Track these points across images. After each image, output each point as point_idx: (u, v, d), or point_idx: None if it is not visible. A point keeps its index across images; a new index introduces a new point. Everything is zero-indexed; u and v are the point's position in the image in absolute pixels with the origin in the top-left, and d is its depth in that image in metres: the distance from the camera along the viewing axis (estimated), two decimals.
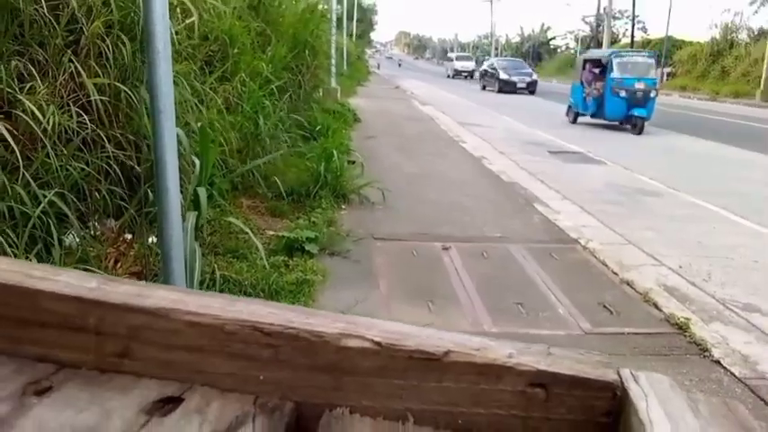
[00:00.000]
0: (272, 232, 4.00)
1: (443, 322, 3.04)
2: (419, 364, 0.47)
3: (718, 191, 7.06)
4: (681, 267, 4.31)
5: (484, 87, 31.45)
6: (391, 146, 8.83)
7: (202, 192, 2.65)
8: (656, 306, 3.42)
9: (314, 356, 0.48)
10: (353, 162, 6.23)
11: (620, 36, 55.60)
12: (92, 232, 2.72)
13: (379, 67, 52.33)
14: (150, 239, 2.79)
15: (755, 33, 37.82)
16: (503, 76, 29.67)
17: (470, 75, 44.67)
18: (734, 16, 39.01)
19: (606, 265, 4.03)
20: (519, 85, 28.96)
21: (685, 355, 2.98)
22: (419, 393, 0.47)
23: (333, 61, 11.63)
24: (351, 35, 30.22)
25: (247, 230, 2.95)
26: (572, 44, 65.48)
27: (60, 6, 3.00)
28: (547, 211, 5.49)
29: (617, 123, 13.31)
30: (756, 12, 36.91)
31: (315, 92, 8.35)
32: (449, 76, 46.15)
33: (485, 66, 34.66)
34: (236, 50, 5.23)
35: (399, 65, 71.87)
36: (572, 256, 4.24)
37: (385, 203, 5.20)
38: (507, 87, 28.58)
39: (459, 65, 47.36)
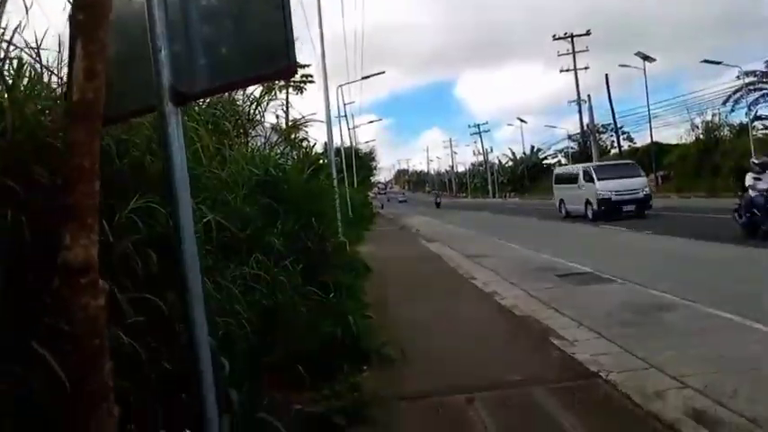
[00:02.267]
0: (297, 406, 4.09)
1: None
2: None
3: (728, 296, 7.15)
4: (706, 387, 4.30)
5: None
6: (404, 293, 9.06)
7: (233, 393, 2.84)
8: None
9: None
10: (370, 317, 6.41)
11: (609, 147, 57.92)
12: None
13: (382, 207, 54.46)
14: None
15: (737, 129, 39.45)
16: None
17: (641, 208, 21.15)
18: (712, 116, 40.91)
19: (630, 398, 4.06)
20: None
21: None
22: None
23: (338, 219, 12.24)
24: (352, 183, 31.69)
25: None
26: (563, 161, 67.87)
27: None
28: (563, 343, 5.56)
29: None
30: (732, 110, 38.82)
31: (324, 253, 8.74)
32: (567, 215, 24.31)
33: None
34: (248, 232, 5.64)
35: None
36: (594, 392, 4.28)
37: (404, 358, 5.30)
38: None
39: (610, 187, 21.34)
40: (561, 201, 25.20)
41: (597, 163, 28.69)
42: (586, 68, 51.80)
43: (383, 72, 29.67)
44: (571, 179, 24.20)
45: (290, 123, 12.28)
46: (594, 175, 22.12)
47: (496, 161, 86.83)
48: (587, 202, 22.22)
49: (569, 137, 61.34)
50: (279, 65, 2.14)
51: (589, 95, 52.63)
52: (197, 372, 2.23)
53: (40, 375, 2.30)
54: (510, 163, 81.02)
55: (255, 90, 9.42)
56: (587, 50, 51.49)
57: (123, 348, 2.83)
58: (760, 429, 3.56)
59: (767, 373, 4.49)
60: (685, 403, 4.01)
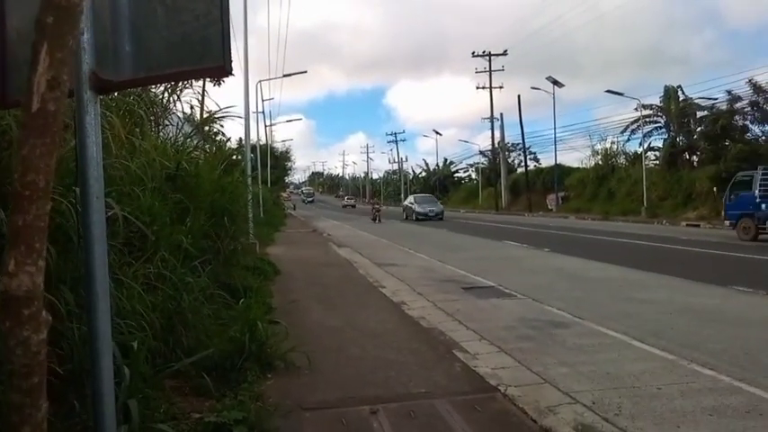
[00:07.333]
0: (197, 415, 3.95)
1: None
2: None
3: (616, 315, 7.71)
4: (594, 403, 4.59)
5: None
6: (312, 299, 9.00)
7: (134, 405, 2.69)
8: None
9: None
10: (277, 322, 6.30)
11: (516, 166, 60.59)
12: None
13: (294, 209, 53.74)
14: None
15: (631, 157, 42.44)
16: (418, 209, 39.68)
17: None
18: (610, 144, 43.79)
19: (525, 413, 4.25)
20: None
21: None
22: None
23: (250, 219, 11.98)
24: (266, 182, 31.12)
25: None
26: (474, 175, 70.25)
27: None
28: (466, 356, 5.74)
29: None
30: (629, 140, 41.68)
31: (234, 254, 8.54)
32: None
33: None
34: (155, 228, 5.38)
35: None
36: (493, 405, 4.44)
37: (310, 366, 5.26)
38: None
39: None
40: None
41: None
42: (501, 87, 54.11)
43: (305, 71, 29.20)
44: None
45: (205, 115, 11.89)
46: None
47: (411, 171, 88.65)
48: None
49: (481, 152, 63.60)
50: (212, 62, 2.05)
51: (501, 114, 55.18)
52: (96, 380, 2.10)
53: None
54: (423, 173, 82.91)
55: None
56: (503, 70, 53.90)
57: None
58: None
59: (648, 392, 4.84)
60: (576, 419, 4.25)
